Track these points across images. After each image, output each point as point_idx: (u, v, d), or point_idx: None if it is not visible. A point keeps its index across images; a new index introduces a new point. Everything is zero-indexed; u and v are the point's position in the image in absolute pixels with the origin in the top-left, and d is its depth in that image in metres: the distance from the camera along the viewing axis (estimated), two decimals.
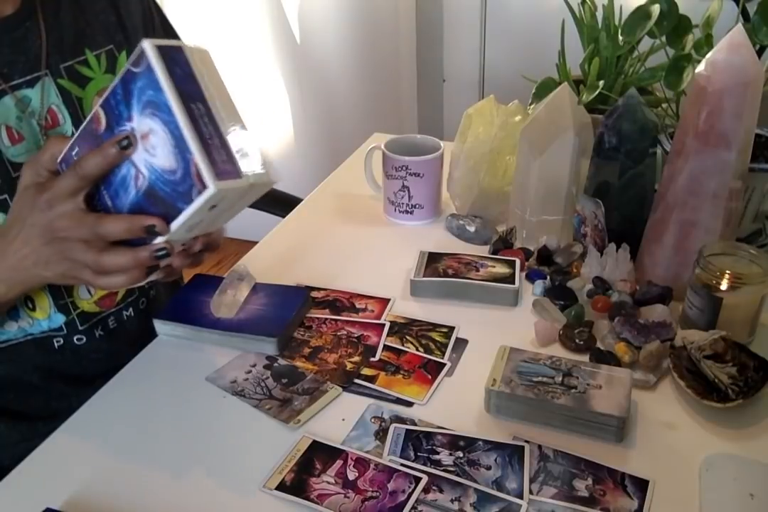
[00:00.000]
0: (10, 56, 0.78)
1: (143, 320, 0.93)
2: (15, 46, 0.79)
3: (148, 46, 0.60)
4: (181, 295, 0.91)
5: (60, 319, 0.86)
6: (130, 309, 0.93)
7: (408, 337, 0.86)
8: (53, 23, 0.82)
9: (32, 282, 0.72)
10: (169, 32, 0.99)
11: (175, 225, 0.62)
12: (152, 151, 0.61)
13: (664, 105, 0.99)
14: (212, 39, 2.11)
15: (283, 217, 1.15)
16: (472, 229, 1.04)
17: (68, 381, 0.89)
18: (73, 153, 0.67)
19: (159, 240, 0.64)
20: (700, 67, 0.79)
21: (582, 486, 0.67)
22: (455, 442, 0.72)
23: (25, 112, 0.79)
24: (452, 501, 0.66)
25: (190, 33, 2.00)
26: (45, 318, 0.85)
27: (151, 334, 0.87)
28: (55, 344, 0.87)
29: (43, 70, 0.80)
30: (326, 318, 0.90)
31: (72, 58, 0.83)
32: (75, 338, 0.88)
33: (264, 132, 2.27)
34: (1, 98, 0.77)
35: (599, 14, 1.04)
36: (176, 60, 0.61)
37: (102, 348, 0.90)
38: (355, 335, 0.87)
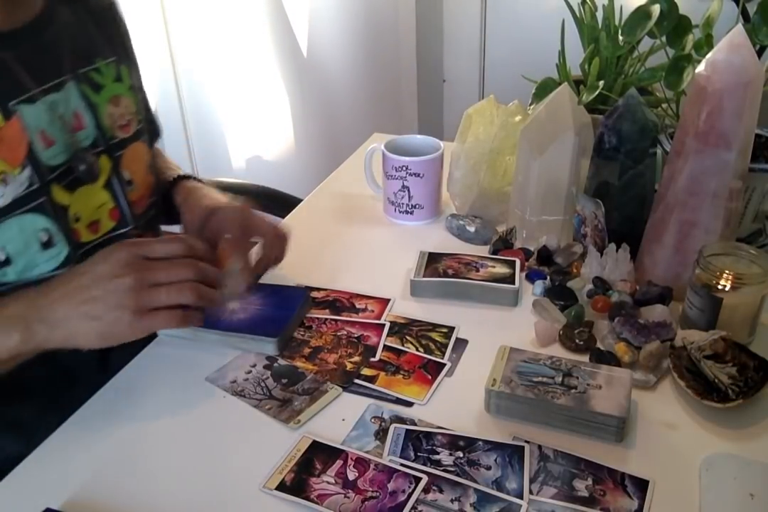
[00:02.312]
0: (39, 61, 0.81)
1: None
2: (43, 51, 0.82)
3: None
4: None
5: None
6: None
7: (408, 337, 0.86)
8: (70, 31, 0.85)
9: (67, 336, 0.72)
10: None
11: None
12: None
13: (664, 105, 0.99)
14: (212, 38, 2.11)
15: (283, 217, 1.15)
16: (472, 229, 1.04)
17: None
18: None
19: None
20: (700, 67, 0.79)
21: (582, 486, 0.67)
22: (455, 442, 0.72)
23: (56, 115, 0.81)
24: (452, 501, 0.66)
25: (190, 33, 2.01)
26: None
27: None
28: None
29: (68, 74, 0.83)
30: (326, 319, 0.90)
31: (87, 65, 0.86)
32: None
33: (264, 132, 2.27)
34: (35, 102, 0.79)
35: (599, 14, 1.04)
36: None
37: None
38: (355, 335, 0.87)
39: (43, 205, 0.80)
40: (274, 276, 0.95)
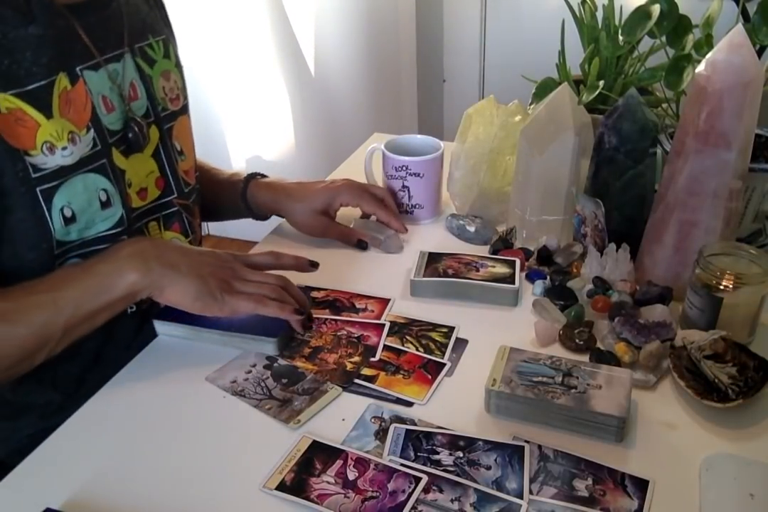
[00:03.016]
0: (103, 32, 0.86)
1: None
2: (106, 24, 0.87)
3: None
4: None
5: None
6: None
7: (408, 337, 0.86)
8: (128, 8, 0.91)
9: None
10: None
11: None
12: None
13: (664, 105, 0.99)
14: (213, 38, 2.11)
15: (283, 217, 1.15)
16: (472, 229, 1.04)
17: (131, 350, 0.88)
18: None
19: None
20: (700, 67, 0.79)
21: (582, 486, 0.67)
22: (455, 442, 0.72)
23: (115, 84, 0.87)
24: (452, 501, 0.66)
25: (190, 34, 2.00)
26: None
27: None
28: (128, 311, 0.89)
29: (125, 47, 0.89)
30: (326, 318, 0.90)
31: (142, 41, 0.92)
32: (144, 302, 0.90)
33: (264, 132, 2.27)
34: (98, 70, 0.85)
35: (599, 14, 1.04)
36: None
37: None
38: (355, 335, 0.87)
39: (105, 166, 0.85)
40: None
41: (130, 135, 0.88)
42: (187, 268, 0.79)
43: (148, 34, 0.93)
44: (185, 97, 1.00)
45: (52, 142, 0.79)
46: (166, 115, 0.95)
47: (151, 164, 0.93)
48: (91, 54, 0.84)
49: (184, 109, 1.00)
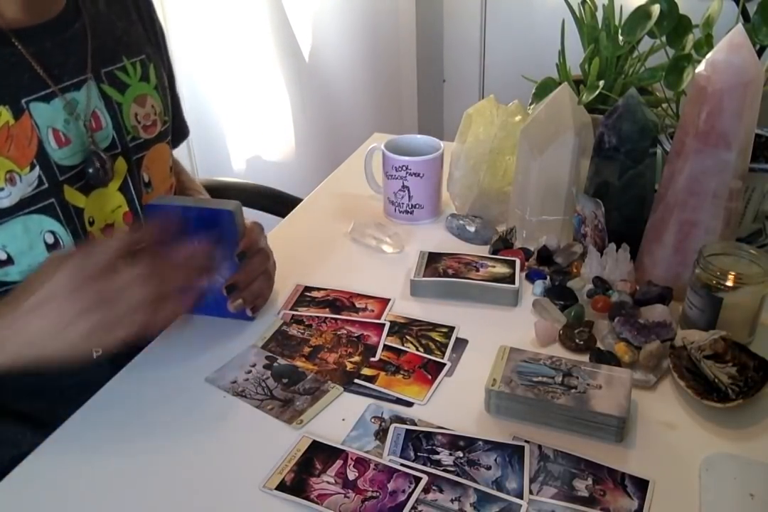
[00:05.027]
0: (61, 58, 0.80)
1: None
2: (65, 48, 0.80)
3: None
4: None
5: None
6: None
7: (408, 337, 0.86)
8: (96, 28, 0.84)
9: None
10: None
11: None
12: None
13: (664, 105, 0.99)
14: (213, 39, 2.11)
15: (283, 216, 1.15)
16: (472, 229, 1.04)
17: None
18: None
19: None
20: (700, 67, 0.79)
21: (582, 486, 0.67)
22: (455, 442, 0.72)
23: (73, 115, 0.80)
24: (452, 501, 0.66)
25: (190, 33, 2.01)
26: None
27: None
28: (94, 354, 0.83)
29: (89, 73, 0.82)
30: (326, 317, 0.90)
31: (111, 64, 0.86)
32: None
33: (264, 132, 2.27)
34: (51, 100, 0.78)
35: (599, 14, 1.04)
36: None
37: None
38: (355, 334, 0.87)
39: (52, 206, 0.79)
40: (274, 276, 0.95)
41: (90, 170, 0.81)
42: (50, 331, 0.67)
43: (122, 56, 0.87)
44: (165, 122, 0.93)
45: None
46: (136, 144, 0.88)
47: (118, 199, 0.87)
48: (43, 83, 0.77)
49: (161, 137, 0.93)
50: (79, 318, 0.66)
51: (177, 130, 1.03)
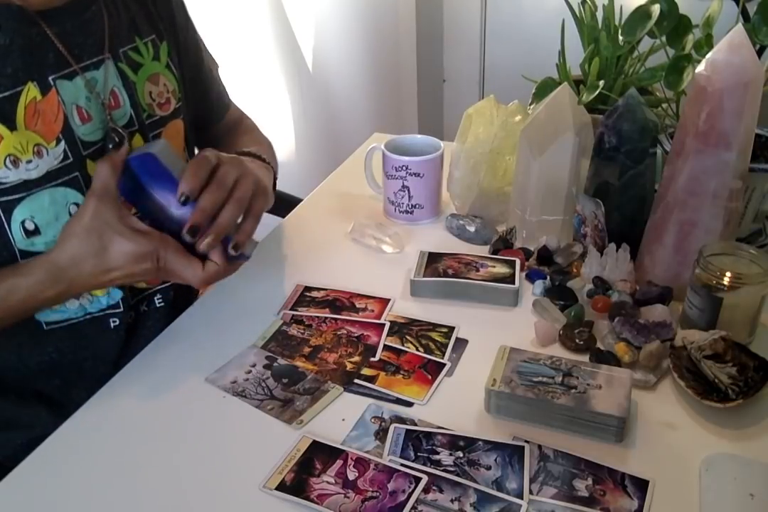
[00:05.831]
0: (81, 38, 0.83)
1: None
2: (84, 29, 0.83)
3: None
4: None
5: (118, 294, 0.89)
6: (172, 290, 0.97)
7: (408, 337, 0.86)
8: (112, 9, 0.87)
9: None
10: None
11: None
12: None
13: (664, 105, 0.99)
14: (213, 39, 2.11)
15: (283, 216, 1.15)
16: (472, 229, 1.04)
17: (117, 366, 0.88)
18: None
19: None
20: (700, 67, 0.79)
21: (582, 486, 0.67)
22: (455, 442, 0.72)
23: (93, 93, 0.84)
24: (452, 501, 0.66)
25: None
26: (104, 294, 0.88)
27: None
28: (111, 324, 0.90)
29: (107, 53, 0.85)
30: (326, 317, 0.90)
31: (127, 44, 0.89)
32: (129, 316, 0.91)
33: (264, 132, 2.27)
34: (73, 79, 0.82)
35: (599, 14, 1.04)
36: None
37: (150, 325, 0.95)
38: (355, 335, 0.87)
39: (77, 180, 0.82)
40: (273, 276, 0.95)
41: (110, 146, 0.85)
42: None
43: (135, 36, 0.90)
44: (179, 100, 0.96)
45: (17, 155, 0.76)
46: (152, 121, 0.91)
47: None
48: (66, 62, 0.81)
49: (176, 113, 0.96)
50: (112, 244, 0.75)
51: (218, 106, 1.12)
